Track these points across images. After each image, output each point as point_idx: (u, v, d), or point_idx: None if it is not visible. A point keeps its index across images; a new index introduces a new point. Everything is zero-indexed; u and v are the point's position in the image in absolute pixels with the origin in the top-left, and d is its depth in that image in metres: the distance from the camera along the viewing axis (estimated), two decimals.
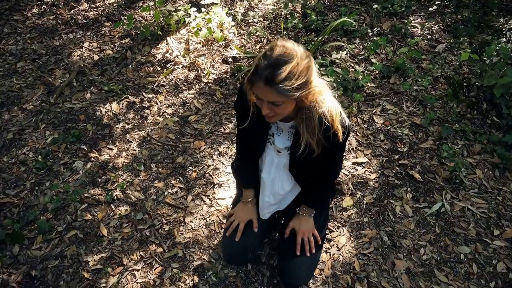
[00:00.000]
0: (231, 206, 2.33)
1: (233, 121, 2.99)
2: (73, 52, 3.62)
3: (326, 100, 1.55)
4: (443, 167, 2.64)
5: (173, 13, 3.80)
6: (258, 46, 3.65)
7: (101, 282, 2.10)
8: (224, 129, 2.94)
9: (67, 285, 2.09)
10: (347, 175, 2.62)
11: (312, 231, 1.99)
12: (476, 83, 3.14)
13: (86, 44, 3.71)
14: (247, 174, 2.01)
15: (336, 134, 1.60)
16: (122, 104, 3.13)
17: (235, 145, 2.81)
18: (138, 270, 2.15)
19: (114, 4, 4.23)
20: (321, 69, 3.27)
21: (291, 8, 4.07)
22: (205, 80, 3.35)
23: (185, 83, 3.33)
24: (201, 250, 2.24)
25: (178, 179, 2.61)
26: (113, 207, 2.44)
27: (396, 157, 2.73)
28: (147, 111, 3.09)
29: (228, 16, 3.76)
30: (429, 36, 3.76)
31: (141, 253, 2.22)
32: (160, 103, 3.15)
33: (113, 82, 3.30)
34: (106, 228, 2.33)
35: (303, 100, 1.48)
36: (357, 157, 2.73)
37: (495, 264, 2.18)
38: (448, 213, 2.41)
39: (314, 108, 1.53)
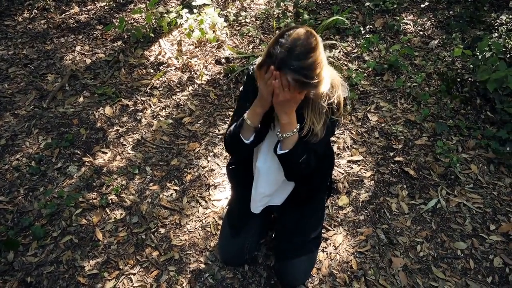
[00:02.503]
0: (227, 207, 2.32)
1: (228, 122, 2.98)
2: (65, 56, 3.60)
3: (336, 93, 1.60)
4: (438, 163, 2.64)
5: (165, 15, 3.79)
6: (251, 46, 3.64)
7: (97, 287, 2.08)
8: (219, 130, 2.93)
9: None
10: (343, 173, 2.62)
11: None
12: (469, 79, 3.15)
13: (78, 48, 3.69)
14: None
15: (337, 119, 1.68)
16: (116, 107, 3.12)
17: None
18: (134, 274, 2.13)
19: (106, 7, 4.22)
20: None
21: (283, 7, 4.07)
22: (198, 82, 3.34)
23: (178, 85, 3.31)
24: (198, 252, 2.23)
25: (173, 182, 2.60)
26: (108, 211, 2.43)
27: (391, 154, 2.73)
28: (140, 114, 3.08)
29: (220, 17, 3.74)
30: (421, 33, 3.77)
31: (137, 256, 2.21)
32: (153, 105, 3.14)
33: (106, 86, 3.29)
34: (102, 232, 2.32)
35: (310, 91, 1.50)
36: (352, 155, 2.73)
37: (492, 259, 2.18)
38: (444, 209, 2.42)
39: (322, 100, 1.57)
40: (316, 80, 1.43)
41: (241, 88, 1.82)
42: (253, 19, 3.99)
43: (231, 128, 1.73)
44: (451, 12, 3.97)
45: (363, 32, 3.74)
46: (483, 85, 2.93)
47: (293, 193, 1.94)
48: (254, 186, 1.90)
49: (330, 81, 1.54)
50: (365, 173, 2.62)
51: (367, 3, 4.03)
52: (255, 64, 1.73)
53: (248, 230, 2.04)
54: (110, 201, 2.47)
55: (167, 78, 3.37)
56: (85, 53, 3.65)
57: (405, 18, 3.93)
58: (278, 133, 1.62)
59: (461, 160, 2.64)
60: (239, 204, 2.11)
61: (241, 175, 2.03)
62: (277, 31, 3.77)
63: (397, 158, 2.69)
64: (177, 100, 3.18)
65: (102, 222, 2.38)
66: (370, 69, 3.36)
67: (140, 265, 2.18)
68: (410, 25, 3.86)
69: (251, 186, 1.92)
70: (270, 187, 1.87)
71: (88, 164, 2.70)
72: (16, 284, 2.09)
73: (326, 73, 1.48)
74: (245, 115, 1.63)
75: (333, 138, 2.79)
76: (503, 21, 3.73)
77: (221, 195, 2.51)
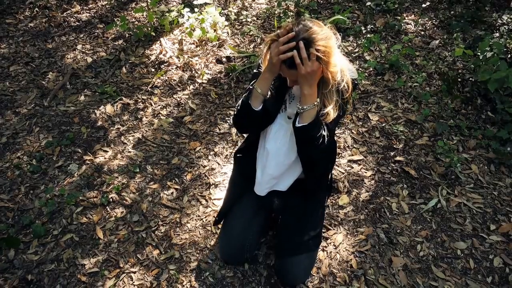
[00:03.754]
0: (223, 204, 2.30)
1: (228, 121, 2.98)
2: (66, 55, 3.60)
3: (346, 76, 1.66)
4: (439, 163, 2.64)
5: (166, 14, 3.79)
6: (252, 46, 3.64)
7: (97, 285, 2.09)
8: (220, 129, 2.93)
9: None
10: (343, 173, 2.62)
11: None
12: (470, 79, 3.15)
13: (79, 47, 3.69)
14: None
15: (348, 101, 1.75)
16: (116, 106, 3.12)
17: (232, 135, 2.81)
18: (134, 273, 2.14)
19: (107, 6, 4.22)
20: None
21: (285, 6, 4.07)
22: (199, 81, 3.34)
23: (179, 84, 3.32)
24: (198, 251, 2.23)
25: (173, 180, 2.60)
26: (108, 209, 2.43)
27: (392, 154, 2.73)
28: (141, 112, 3.08)
29: (221, 16, 3.75)
30: (422, 33, 3.77)
31: (138, 255, 2.21)
32: (154, 104, 3.14)
33: (107, 84, 3.29)
34: (102, 230, 2.32)
35: (323, 73, 1.59)
36: (352, 155, 2.73)
37: (492, 259, 2.19)
38: (444, 209, 2.42)
39: (333, 86, 1.65)
40: (332, 59, 1.56)
41: (254, 70, 1.87)
42: (254, 18, 3.99)
43: (240, 100, 1.80)
44: (452, 12, 3.97)
45: (364, 31, 3.74)
46: (484, 85, 2.93)
47: (298, 181, 1.96)
48: (261, 168, 1.93)
49: (340, 67, 1.63)
50: (366, 172, 2.62)
51: (368, 3, 4.03)
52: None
53: (249, 228, 2.04)
54: (111, 200, 2.48)
55: (168, 77, 3.37)
56: (86, 51, 3.65)
57: (406, 18, 3.93)
58: (298, 105, 1.66)
59: (462, 160, 2.64)
60: (233, 190, 2.17)
61: (246, 165, 2.04)
62: (278, 31, 3.77)
63: (397, 158, 2.69)
64: (178, 99, 3.18)
65: (103, 220, 2.38)
66: (371, 69, 3.36)
67: (141, 263, 2.18)
68: (411, 25, 3.86)
69: (252, 179, 1.97)
70: (278, 168, 1.90)
71: (89, 162, 2.70)
72: (17, 281, 2.10)
73: (338, 60, 1.61)
74: (255, 84, 1.70)
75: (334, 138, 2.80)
76: (504, 21, 3.73)
77: (222, 194, 2.51)
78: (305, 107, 1.63)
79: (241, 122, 1.87)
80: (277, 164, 1.88)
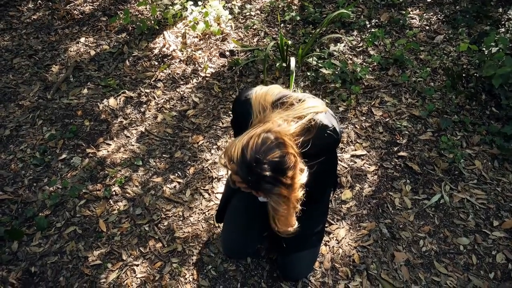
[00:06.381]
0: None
1: (231, 115, 2.98)
2: (69, 48, 3.59)
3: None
4: (442, 158, 2.64)
5: (170, 7, 3.78)
6: (255, 39, 3.63)
7: (100, 277, 2.10)
8: (222, 123, 2.93)
9: (67, 281, 2.09)
10: (346, 168, 2.61)
11: None
12: (475, 74, 3.13)
13: (82, 39, 3.68)
14: None
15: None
16: (120, 99, 3.12)
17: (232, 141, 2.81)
18: (137, 265, 2.15)
19: None
20: (319, 61, 3.26)
21: (289, 0, 4.05)
22: (202, 74, 3.33)
23: (182, 78, 3.31)
24: (201, 245, 2.24)
25: (176, 174, 2.60)
26: (111, 202, 2.44)
27: (395, 149, 2.72)
28: (144, 106, 3.08)
29: (225, 10, 3.73)
30: (427, 27, 3.74)
31: (141, 248, 2.22)
32: (157, 97, 3.14)
33: (110, 77, 3.29)
34: (105, 223, 2.33)
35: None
36: (355, 150, 2.73)
37: (495, 255, 2.18)
38: (447, 204, 2.41)
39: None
40: (290, 186, 1.39)
41: (231, 118, 1.81)
42: (258, 12, 3.97)
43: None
44: (457, 7, 3.94)
45: (368, 26, 3.72)
46: (488, 80, 2.92)
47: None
48: None
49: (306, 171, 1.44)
50: (369, 167, 2.62)
51: None
52: (245, 97, 1.60)
53: (251, 224, 2.05)
54: (114, 193, 2.48)
55: (171, 71, 3.36)
56: (90, 44, 3.64)
57: (411, 13, 3.90)
58: None
59: (465, 156, 2.64)
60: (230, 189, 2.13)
61: None
62: (282, 25, 3.76)
63: (401, 153, 2.69)
64: (181, 93, 3.18)
65: (106, 213, 2.39)
66: (375, 64, 3.34)
67: (143, 256, 2.19)
68: (416, 19, 3.84)
69: None
70: None
71: (92, 155, 2.70)
72: (20, 273, 2.11)
73: (300, 189, 1.44)
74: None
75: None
76: (510, 16, 3.70)
77: None
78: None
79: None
80: None
